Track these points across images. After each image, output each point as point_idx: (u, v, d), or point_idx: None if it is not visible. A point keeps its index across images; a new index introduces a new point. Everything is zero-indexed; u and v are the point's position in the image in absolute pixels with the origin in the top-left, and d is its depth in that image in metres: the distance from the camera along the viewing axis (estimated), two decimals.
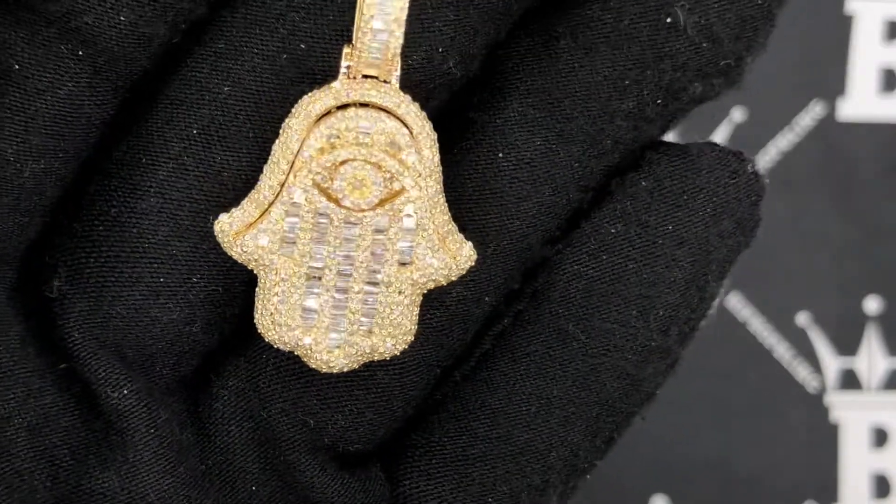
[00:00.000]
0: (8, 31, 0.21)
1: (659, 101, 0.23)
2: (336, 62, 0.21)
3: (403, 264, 0.22)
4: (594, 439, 0.24)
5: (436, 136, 0.21)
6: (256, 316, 0.22)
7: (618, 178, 0.23)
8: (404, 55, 0.21)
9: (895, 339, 0.45)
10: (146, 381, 0.23)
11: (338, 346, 0.22)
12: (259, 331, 0.22)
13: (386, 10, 0.21)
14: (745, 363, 0.45)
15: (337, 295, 0.22)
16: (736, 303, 0.45)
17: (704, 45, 0.22)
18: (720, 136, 0.44)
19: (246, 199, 0.22)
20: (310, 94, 0.21)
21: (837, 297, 0.45)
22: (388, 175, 0.21)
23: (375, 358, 0.22)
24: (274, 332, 0.22)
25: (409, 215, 0.22)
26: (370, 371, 0.23)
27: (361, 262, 0.22)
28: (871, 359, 0.45)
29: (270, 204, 0.22)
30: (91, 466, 0.23)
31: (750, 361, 0.45)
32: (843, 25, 0.44)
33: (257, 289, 0.22)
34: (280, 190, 0.21)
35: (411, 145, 0.21)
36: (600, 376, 0.23)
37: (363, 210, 0.21)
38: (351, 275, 0.22)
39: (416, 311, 0.22)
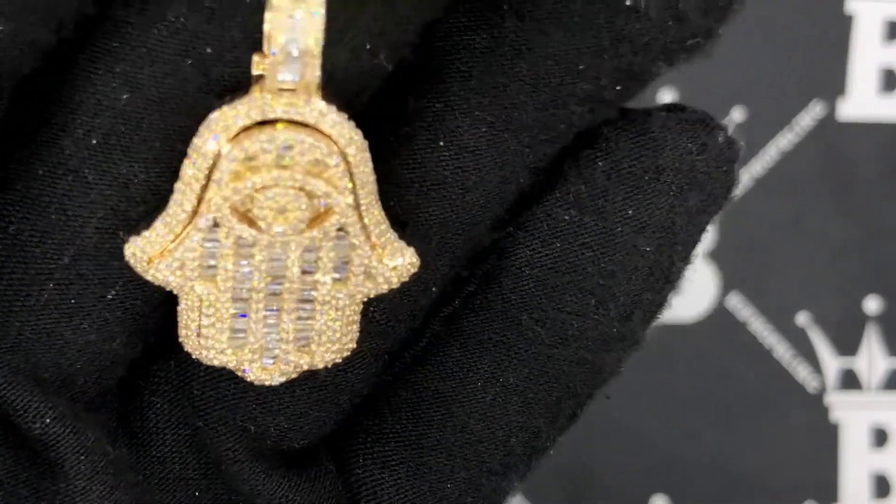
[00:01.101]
0: None
1: (618, 87, 0.21)
2: (248, 70, 0.19)
3: (338, 280, 0.20)
4: (555, 421, 0.23)
5: (367, 145, 0.19)
6: (182, 334, 0.21)
7: (570, 159, 0.22)
8: (327, 55, 0.19)
9: (895, 339, 0.45)
10: (68, 403, 0.21)
11: (273, 364, 0.21)
12: (186, 349, 0.21)
13: (299, 9, 0.18)
14: (745, 363, 0.45)
15: (267, 314, 0.21)
16: (736, 303, 0.45)
17: (670, 23, 0.21)
18: None
19: (158, 220, 0.20)
20: (219, 110, 0.19)
21: (837, 297, 0.45)
22: (314, 196, 0.19)
23: (304, 371, 0.21)
24: (202, 353, 0.21)
25: (340, 232, 0.20)
26: (311, 370, 0.22)
27: (292, 282, 0.20)
28: (871, 359, 0.45)
29: (185, 227, 0.20)
30: (23, 498, 0.21)
31: (750, 361, 0.45)
32: (843, 25, 0.44)
33: (179, 308, 0.21)
34: (194, 215, 0.20)
35: (338, 162, 0.19)
36: (559, 364, 0.22)
37: (289, 235, 0.20)
38: (281, 294, 0.20)
39: (356, 322, 0.21)
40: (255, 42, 0.19)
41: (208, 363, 0.21)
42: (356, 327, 0.21)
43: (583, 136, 0.22)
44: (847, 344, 0.45)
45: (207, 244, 0.20)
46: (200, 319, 0.20)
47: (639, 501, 0.44)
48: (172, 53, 0.19)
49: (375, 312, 0.22)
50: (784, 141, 0.44)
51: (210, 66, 0.19)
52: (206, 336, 0.21)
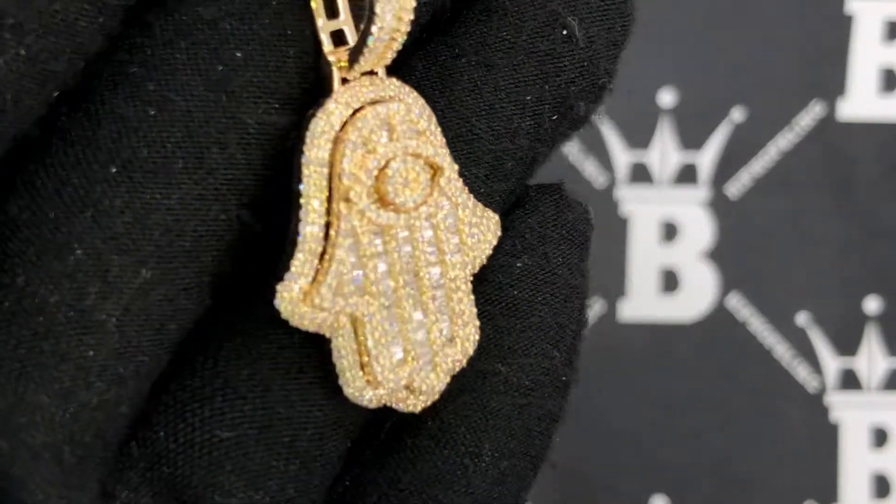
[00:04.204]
0: None
1: (554, 118, 0.22)
2: (273, 70, 0.19)
3: (454, 253, 0.21)
4: (523, 490, 0.23)
5: (430, 108, 0.20)
6: (344, 379, 0.20)
7: (507, 218, 0.23)
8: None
9: (895, 339, 0.45)
10: (69, 482, 0.20)
11: (431, 370, 0.20)
12: (348, 393, 0.20)
13: (388, 17, 0.19)
14: (745, 363, 0.45)
15: (416, 314, 0.20)
16: (736, 303, 0.45)
17: (586, 63, 0.22)
18: (720, 135, 0.44)
19: (296, 252, 0.19)
20: (316, 117, 0.19)
21: (837, 297, 0.45)
22: (425, 161, 0.20)
23: (457, 368, 0.21)
24: (370, 390, 0.20)
25: (445, 196, 0.20)
26: (291, 439, 0.21)
27: (423, 269, 0.20)
28: (871, 359, 0.45)
29: (326, 249, 0.19)
30: None
31: (750, 361, 0.45)
32: (843, 25, 0.44)
33: (334, 351, 0.20)
34: (332, 226, 0.19)
35: (427, 126, 0.20)
36: (527, 420, 0.22)
37: (418, 206, 0.20)
38: (420, 286, 0.20)
39: (473, 298, 0.21)
40: (282, 40, 0.19)
41: (378, 401, 0.20)
42: (475, 311, 0.21)
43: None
44: (847, 344, 0.45)
45: (353, 258, 0.19)
46: (365, 346, 0.20)
47: (639, 501, 0.44)
48: (203, 63, 0.19)
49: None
50: (784, 141, 0.44)
51: (240, 70, 0.19)
52: (376, 361, 0.20)
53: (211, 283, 0.20)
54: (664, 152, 0.44)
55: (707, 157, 0.44)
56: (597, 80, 0.23)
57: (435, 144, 0.20)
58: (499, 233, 0.21)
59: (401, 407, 0.21)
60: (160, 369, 0.21)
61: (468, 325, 0.21)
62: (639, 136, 0.44)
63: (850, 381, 0.45)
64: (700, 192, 0.45)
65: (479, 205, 0.21)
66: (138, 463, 0.21)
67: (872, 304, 0.45)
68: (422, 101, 0.20)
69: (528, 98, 0.22)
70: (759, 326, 0.45)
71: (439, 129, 0.20)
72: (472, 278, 0.21)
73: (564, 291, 0.23)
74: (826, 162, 0.45)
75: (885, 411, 0.45)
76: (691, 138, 0.44)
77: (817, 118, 0.44)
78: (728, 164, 0.44)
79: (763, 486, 0.44)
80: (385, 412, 0.21)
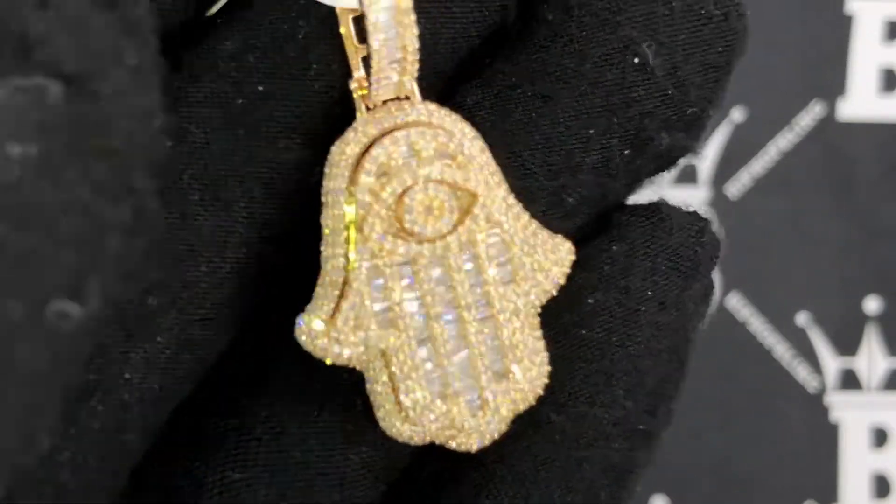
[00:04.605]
0: None
1: (626, 153, 0.21)
2: (295, 104, 0.19)
3: (506, 283, 0.19)
4: None
5: (476, 133, 0.19)
6: (380, 416, 0.19)
7: (587, 245, 0.21)
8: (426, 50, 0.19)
9: (895, 339, 0.45)
10: None
11: (479, 407, 0.19)
12: (390, 433, 0.19)
13: (390, 32, 0.18)
14: (745, 363, 0.45)
15: (453, 346, 0.19)
16: (736, 303, 0.44)
17: (671, 91, 0.21)
18: (720, 136, 0.44)
19: (317, 286, 0.19)
20: (334, 145, 0.19)
21: (837, 297, 0.45)
22: (454, 188, 0.19)
23: (520, 407, 0.19)
24: (410, 426, 0.19)
25: (491, 223, 0.19)
26: (306, 484, 0.20)
27: (464, 300, 0.19)
28: (871, 359, 0.45)
29: (345, 280, 0.19)
30: None
31: (750, 361, 0.45)
32: (843, 25, 0.44)
33: (372, 387, 0.19)
34: (350, 257, 0.19)
35: (460, 149, 0.19)
36: (587, 472, 0.20)
37: (445, 236, 0.19)
38: (460, 318, 0.19)
39: (539, 332, 0.20)
40: (307, 72, 0.19)
41: (418, 438, 0.19)
42: (543, 344, 0.20)
43: (594, 227, 0.21)
44: (847, 344, 0.45)
45: (376, 282, 0.19)
46: (396, 382, 0.19)
47: (639, 501, 0.44)
48: (224, 96, 0.19)
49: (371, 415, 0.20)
50: (784, 141, 0.44)
51: (260, 104, 0.19)
52: (406, 396, 0.19)
53: (231, 317, 0.20)
54: None
55: (707, 158, 0.44)
56: (683, 109, 0.21)
57: (473, 171, 0.19)
58: (570, 261, 0.20)
59: (452, 446, 0.20)
60: (174, 401, 0.20)
61: (524, 359, 0.19)
62: None
63: (850, 381, 0.45)
64: (700, 192, 0.45)
65: (545, 233, 0.20)
66: (149, 496, 0.20)
67: (872, 304, 0.45)
68: (467, 126, 0.19)
69: (592, 131, 0.20)
70: (759, 326, 0.45)
71: (490, 156, 0.19)
72: (538, 310, 0.20)
73: (648, 331, 0.21)
74: (826, 162, 0.44)
75: (885, 411, 0.45)
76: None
77: (817, 118, 0.44)
78: (728, 164, 0.44)
79: (763, 486, 0.44)
80: (434, 451, 0.20)
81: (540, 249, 0.20)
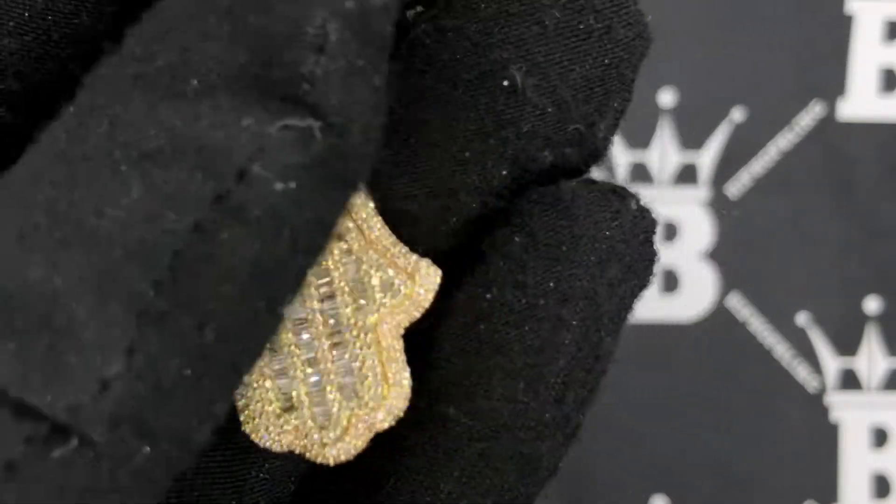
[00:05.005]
0: None
1: (504, 173, 0.21)
2: None
3: (361, 308, 0.20)
4: None
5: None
6: (245, 421, 0.20)
7: (488, 237, 0.21)
8: None
9: (895, 339, 0.45)
10: None
11: (330, 426, 0.20)
12: (253, 437, 0.20)
13: None
14: (745, 363, 0.45)
15: (307, 368, 0.20)
16: (736, 303, 0.45)
17: (549, 109, 0.20)
18: (720, 135, 0.44)
19: None
20: None
21: (837, 297, 0.45)
22: None
23: (377, 425, 0.20)
24: (265, 435, 0.20)
25: (347, 251, 0.19)
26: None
27: (316, 317, 0.20)
28: (871, 359, 0.45)
29: None
30: None
31: (750, 361, 0.45)
32: (843, 25, 0.44)
33: (242, 396, 0.20)
34: None
35: None
36: (492, 461, 0.21)
37: None
38: (314, 347, 0.20)
39: (400, 354, 0.20)
40: None
41: (277, 448, 0.20)
42: (405, 371, 0.20)
43: (499, 216, 0.21)
44: (847, 344, 0.45)
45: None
46: (254, 394, 0.20)
47: (639, 501, 0.44)
48: None
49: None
50: (784, 141, 0.44)
51: None
52: (266, 409, 0.20)
53: None
54: (664, 152, 0.44)
55: (707, 157, 0.44)
56: (564, 127, 0.21)
57: None
58: (435, 284, 0.20)
59: (312, 457, 0.20)
60: None
61: (379, 381, 0.20)
62: (639, 136, 0.44)
63: (850, 381, 0.45)
64: (700, 192, 0.45)
65: (406, 255, 0.20)
66: None
67: (872, 304, 0.45)
68: None
69: (468, 154, 0.21)
70: (759, 326, 0.45)
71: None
72: (401, 332, 0.20)
73: (548, 325, 0.21)
74: (826, 162, 0.45)
75: (885, 411, 0.45)
76: (691, 138, 0.44)
77: (817, 118, 0.44)
78: (728, 164, 0.44)
79: (763, 486, 0.44)
80: None
81: (403, 274, 0.20)
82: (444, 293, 0.21)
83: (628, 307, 0.21)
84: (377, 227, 0.20)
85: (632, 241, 0.21)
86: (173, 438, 0.16)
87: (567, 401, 0.21)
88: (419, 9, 0.21)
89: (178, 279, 0.16)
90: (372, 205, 0.20)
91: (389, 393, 0.20)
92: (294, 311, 0.20)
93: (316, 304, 0.20)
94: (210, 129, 0.16)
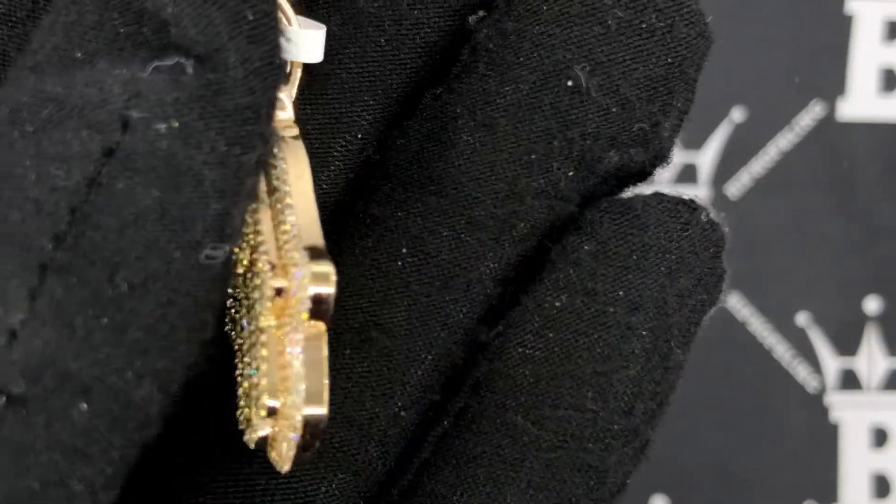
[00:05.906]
0: None
1: (571, 174, 0.21)
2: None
3: (277, 294, 0.18)
4: None
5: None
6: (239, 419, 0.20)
7: (558, 245, 0.21)
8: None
9: (895, 339, 0.45)
10: None
11: (253, 415, 0.19)
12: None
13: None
14: (745, 363, 0.45)
15: (239, 366, 0.20)
16: (736, 303, 0.44)
17: (614, 109, 0.21)
18: (720, 135, 0.44)
19: None
20: None
21: (837, 297, 0.45)
22: None
23: (300, 436, 0.19)
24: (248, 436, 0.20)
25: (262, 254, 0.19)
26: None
27: (239, 337, 0.19)
28: (871, 359, 0.45)
29: None
30: None
31: (750, 361, 0.45)
32: (843, 25, 0.44)
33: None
34: None
35: None
36: (558, 472, 0.20)
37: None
38: (239, 351, 0.19)
39: (321, 363, 0.18)
40: None
41: (253, 445, 0.20)
42: (320, 368, 0.18)
43: (567, 224, 0.21)
44: (847, 344, 0.45)
45: None
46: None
47: (639, 501, 0.44)
48: None
49: (343, 440, 0.21)
50: (784, 141, 0.44)
51: None
52: (242, 414, 0.20)
53: None
54: None
55: (707, 157, 0.44)
56: (629, 126, 0.21)
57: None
58: (328, 284, 0.17)
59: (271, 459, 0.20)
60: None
61: (288, 389, 0.18)
62: None
63: (850, 381, 0.45)
64: (700, 192, 0.45)
65: (297, 255, 0.18)
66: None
67: (872, 304, 0.45)
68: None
69: (534, 157, 0.21)
70: (759, 326, 0.45)
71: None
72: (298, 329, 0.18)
73: (615, 333, 0.20)
74: (826, 162, 0.44)
75: (885, 411, 0.45)
76: (691, 138, 0.44)
77: (817, 118, 0.44)
78: (728, 164, 0.44)
79: (763, 486, 0.44)
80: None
81: (297, 277, 0.18)
82: (513, 301, 0.21)
83: (698, 321, 0.21)
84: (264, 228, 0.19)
85: (701, 254, 0.21)
86: (109, 394, 0.16)
87: (636, 412, 0.21)
88: (481, 13, 0.21)
89: (79, 233, 0.16)
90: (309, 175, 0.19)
91: (295, 399, 0.18)
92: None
93: (240, 312, 0.19)
94: (86, 88, 0.16)
